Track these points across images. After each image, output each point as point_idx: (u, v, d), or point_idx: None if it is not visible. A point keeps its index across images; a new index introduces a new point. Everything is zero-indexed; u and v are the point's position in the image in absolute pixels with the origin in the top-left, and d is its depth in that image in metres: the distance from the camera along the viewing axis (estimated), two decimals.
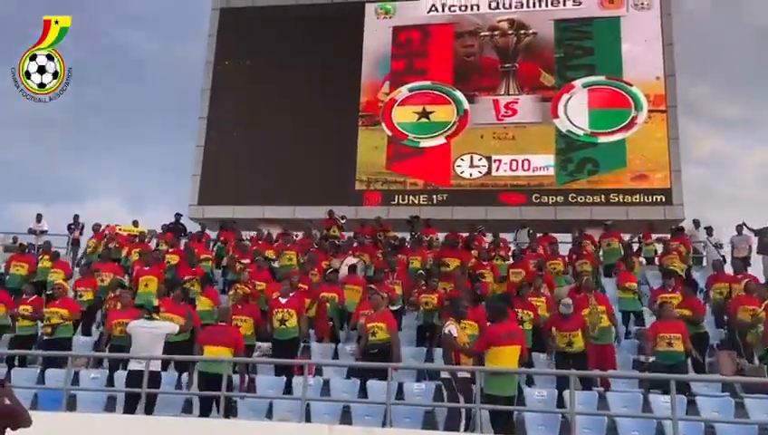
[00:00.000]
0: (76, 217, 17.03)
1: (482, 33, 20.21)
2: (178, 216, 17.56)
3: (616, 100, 19.03)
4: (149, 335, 8.49)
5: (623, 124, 18.80)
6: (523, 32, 20.02)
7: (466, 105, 19.69)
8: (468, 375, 6.74)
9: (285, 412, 7.88)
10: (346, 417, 7.86)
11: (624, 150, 18.69)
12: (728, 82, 45.22)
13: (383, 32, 20.73)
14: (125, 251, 14.05)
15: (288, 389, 8.63)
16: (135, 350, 8.45)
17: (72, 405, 8.31)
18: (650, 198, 18.30)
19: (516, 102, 19.53)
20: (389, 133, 19.96)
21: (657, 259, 14.91)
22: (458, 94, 19.82)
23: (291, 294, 9.69)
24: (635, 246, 15.73)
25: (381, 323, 8.98)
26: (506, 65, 19.86)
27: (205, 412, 7.81)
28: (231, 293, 10.75)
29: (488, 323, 7.49)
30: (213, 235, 17.77)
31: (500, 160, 19.24)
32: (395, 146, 19.87)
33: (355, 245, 13.74)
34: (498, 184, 19.12)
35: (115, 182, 51.40)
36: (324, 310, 10.46)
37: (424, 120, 19.88)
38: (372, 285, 10.24)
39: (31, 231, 16.54)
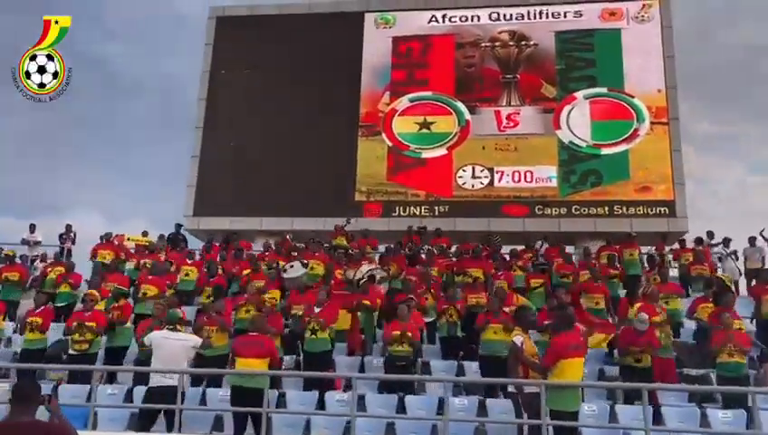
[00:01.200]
0: (68, 226, 16.50)
1: (483, 44, 20.11)
2: (179, 226, 17.08)
3: (618, 111, 19.00)
4: (176, 347, 7.96)
5: (626, 136, 18.76)
6: (523, 43, 19.95)
7: (468, 116, 19.53)
8: (536, 390, 6.39)
9: (323, 429, 7.46)
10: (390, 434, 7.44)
11: (627, 162, 18.64)
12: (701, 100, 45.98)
13: (383, 42, 20.53)
14: (134, 262, 13.55)
15: (321, 404, 8.22)
16: (158, 363, 7.88)
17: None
18: (654, 209, 18.24)
19: (518, 114, 19.41)
20: (390, 144, 19.70)
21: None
22: (459, 105, 19.65)
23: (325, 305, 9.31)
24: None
25: (408, 332, 8.65)
26: (507, 76, 19.75)
27: (239, 431, 7.32)
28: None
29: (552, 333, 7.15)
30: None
31: (502, 172, 19.07)
32: (396, 156, 19.61)
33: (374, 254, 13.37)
34: (501, 195, 18.93)
35: (94, 195, 50.44)
36: (357, 322, 10.06)
37: (425, 130, 19.66)
38: (411, 296, 9.96)
39: (24, 242, 15.93)
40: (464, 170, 19.22)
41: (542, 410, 6.24)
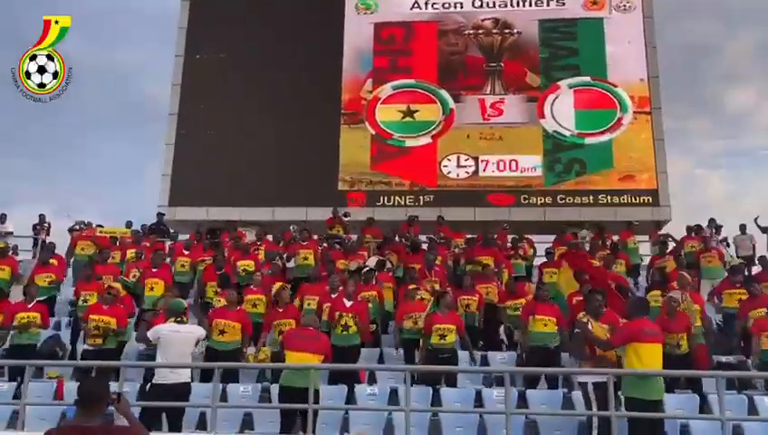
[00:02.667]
0: (42, 216, 15.63)
1: (466, 32, 19.86)
2: (161, 215, 16.36)
3: (601, 101, 19.03)
4: (185, 341, 7.38)
5: (609, 125, 18.80)
6: (507, 31, 19.78)
7: (452, 104, 19.27)
8: (605, 379, 6.13)
9: (362, 425, 7.07)
10: (435, 428, 7.09)
11: (611, 151, 18.68)
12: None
13: (365, 27, 20.08)
14: (119, 254, 12.83)
15: (351, 399, 7.84)
16: (166, 355, 7.26)
17: None
18: (637, 198, 18.34)
19: (502, 103, 19.25)
20: (373, 132, 19.31)
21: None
22: (443, 93, 19.38)
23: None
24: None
25: (452, 325, 8.34)
26: (492, 64, 19.56)
27: (287, 431, 6.86)
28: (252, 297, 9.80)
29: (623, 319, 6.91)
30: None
31: (487, 161, 18.89)
32: (379, 145, 19.24)
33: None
34: (486, 185, 18.76)
35: (40, 189, 48.43)
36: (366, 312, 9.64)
37: (409, 118, 19.33)
38: (414, 286, 9.62)
39: None
40: (448, 159, 18.97)
41: (611, 399, 5.99)
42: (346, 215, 16.28)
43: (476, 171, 18.84)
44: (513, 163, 18.81)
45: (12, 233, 15.02)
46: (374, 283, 10.04)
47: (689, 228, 14.53)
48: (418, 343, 8.82)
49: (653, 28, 19.38)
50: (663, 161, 18.54)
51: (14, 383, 8.03)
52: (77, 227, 14.83)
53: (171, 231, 15.14)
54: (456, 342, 9.36)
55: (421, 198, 18.75)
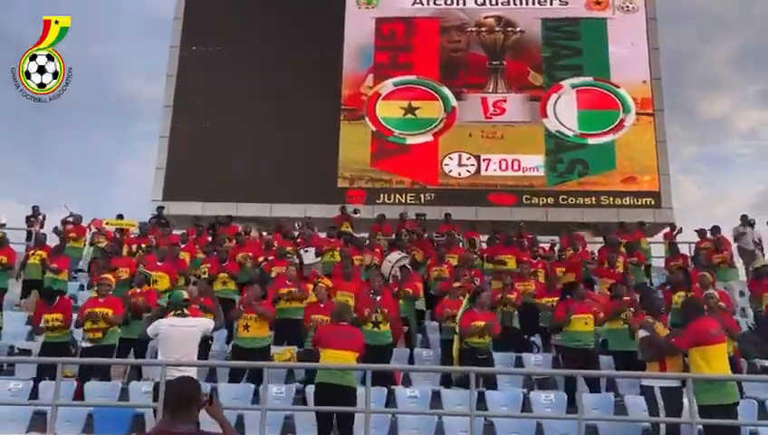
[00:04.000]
0: (35, 208, 15.00)
1: (468, 29, 19.61)
2: (161, 208, 15.81)
3: (604, 101, 18.90)
4: (186, 335, 6.82)
5: (612, 126, 18.67)
6: (510, 29, 19.57)
7: (454, 102, 19.00)
8: (677, 384, 5.86)
9: (413, 429, 6.71)
10: (488, 433, 6.74)
11: (613, 152, 18.56)
12: None
13: (366, 23, 19.73)
14: (126, 247, 12.30)
15: (390, 401, 7.47)
16: (165, 353, 6.71)
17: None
18: (640, 200, 18.24)
19: (505, 101, 19.02)
20: (374, 129, 18.96)
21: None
22: (445, 91, 19.10)
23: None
24: None
25: (489, 323, 8.03)
26: (494, 63, 19.33)
27: (325, 433, 6.47)
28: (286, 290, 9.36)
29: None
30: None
31: (489, 160, 18.66)
32: (380, 142, 18.89)
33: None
34: (488, 184, 18.52)
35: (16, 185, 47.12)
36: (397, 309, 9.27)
37: (410, 115, 19.02)
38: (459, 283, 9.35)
39: None
40: (450, 158, 18.70)
41: (687, 405, 5.72)
42: (355, 212, 15.89)
43: (478, 170, 18.60)
44: (516, 163, 18.60)
45: (5, 225, 14.38)
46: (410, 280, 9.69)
47: (699, 231, 14.33)
48: (451, 343, 8.50)
49: (656, 30, 19.32)
50: (665, 163, 18.47)
51: (29, 382, 7.51)
52: (70, 219, 14.26)
53: (173, 225, 14.59)
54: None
55: (422, 196, 18.45)
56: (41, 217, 14.81)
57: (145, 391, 7.35)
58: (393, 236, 13.24)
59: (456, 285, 9.46)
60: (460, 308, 8.52)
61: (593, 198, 18.28)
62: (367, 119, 19.03)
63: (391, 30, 19.74)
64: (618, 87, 18.90)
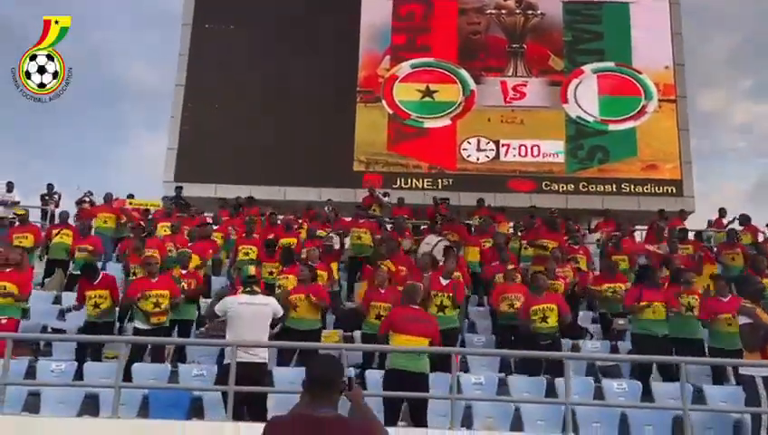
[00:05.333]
0: (50, 186, 14.50)
1: (488, 11, 19.20)
2: (179, 189, 15.30)
3: (626, 87, 18.58)
4: (258, 315, 6.41)
5: (633, 112, 18.37)
6: (530, 12, 19.18)
7: (473, 85, 18.60)
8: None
9: (486, 418, 6.33)
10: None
11: (634, 139, 18.26)
12: None
13: (383, 3, 19.25)
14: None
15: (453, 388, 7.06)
16: (237, 334, 6.26)
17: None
18: (661, 188, 17.96)
19: (525, 85, 18.65)
20: (390, 111, 18.52)
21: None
22: (464, 73, 18.70)
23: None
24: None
25: (553, 304, 7.65)
26: (514, 46, 18.95)
27: (392, 420, 6.08)
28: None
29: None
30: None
31: (508, 145, 18.30)
32: (396, 125, 18.47)
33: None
34: (506, 169, 18.16)
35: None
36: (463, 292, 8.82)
37: (428, 99, 18.60)
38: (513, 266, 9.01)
39: None
40: (468, 142, 18.32)
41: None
42: (385, 194, 15.47)
43: (497, 155, 18.24)
44: (535, 148, 18.25)
45: (18, 203, 13.86)
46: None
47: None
48: (515, 330, 8.14)
49: (680, 15, 18.98)
50: (688, 151, 18.19)
51: (71, 364, 7.06)
52: (86, 199, 13.77)
53: (192, 207, 14.11)
54: None
55: (439, 181, 18.07)
56: (56, 195, 14.30)
57: (195, 373, 6.92)
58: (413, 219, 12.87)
59: (511, 267, 9.09)
60: (520, 292, 8.17)
61: (614, 186, 17.98)
62: (383, 101, 18.59)
63: (409, 11, 19.28)
64: (640, 73, 18.58)
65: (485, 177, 17.99)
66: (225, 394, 5.77)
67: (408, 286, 6.91)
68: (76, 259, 10.23)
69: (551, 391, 6.85)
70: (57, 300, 9.73)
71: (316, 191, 17.34)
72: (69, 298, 9.80)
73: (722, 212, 14.96)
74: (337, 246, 10.53)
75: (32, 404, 6.22)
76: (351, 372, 6.74)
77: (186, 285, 8.36)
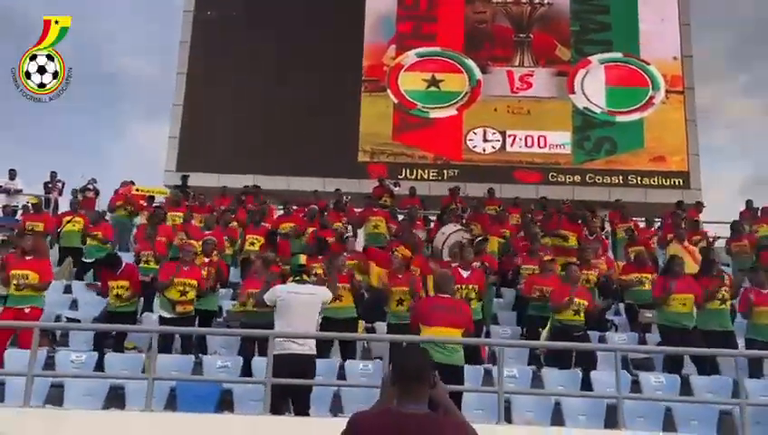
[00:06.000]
0: (53, 174, 14.19)
1: (494, 0, 18.95)
2: (185, 177, 15.00)
3: (633, 78, 18.41)
4: (308, 304, 6.15)
5: (641, 104, 18.21)
6: (537, 1, 18.96)
7: (479, 75, 18.39)
8: None
9: (527, 412, 6.13)
10: (611, 418, 6.15)
11: (642, 131, 18.12)
12: None
13: None
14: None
15: (487, 380, 6.87)
16: (284, 322, 6.02)
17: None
18: (668, 180, 17.83)
19: (531, 75, 18.45)
20: (396, 101, 18.29)
21: None
22: (470, 63, 18.47)
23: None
24: None
25: (584, 300, 7.49)
26: (520, 35, 18.74)
27: None
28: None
29: None
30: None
31: (515, 136, 18.11)
32: (402, 115, 18.23)
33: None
34: (513, 160, 17.98)
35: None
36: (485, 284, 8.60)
37: (433, 88, 18.37)
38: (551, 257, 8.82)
39: (2, 190, 13.50)
40: (474, 133, 18.12)
41: None
42: (396, 184, 15.23)
43: (503, 146, 18.05)
44: (542, 139, 18.07)
45: (21, 191, 13.57)
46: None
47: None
48: (546, 321, 7.97)
49: (688, 5, 18.83)
50: (695, 143, 18.05)
51: (92, 354, 6.82)
52: (90, 187, 13.48)
53: (201, 196, 13.82)
54: None
55: (445, 172, 17.86)
56: (59, 183, 13.99)
57: (220, 365, 6.69)
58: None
59: (547, 258, 8.91)
60: (552, 284, 8.00)
61: (620, 178, 17.83)
62: (389, 91, 18.36)
63: None
64: (647, 64, 18.42)
65: (491, 168, 17.79)
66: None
67: (439, 274, 6.66)
68: (87, 247, 9.96)
69: (585, 385, 6.66)
70: (68, 289, 9.47)
71: (320, 181, 17.05)
72: (80, 287, 9.59)
73: (749, 204, 14.62)
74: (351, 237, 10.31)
75: (54, 396, 5.97)
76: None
77: (206, 273, 8.11)
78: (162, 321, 7.47)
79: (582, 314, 7.47)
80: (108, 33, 40.87)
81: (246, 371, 6.70)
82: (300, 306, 6.09)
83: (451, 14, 18.89)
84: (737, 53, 37.21)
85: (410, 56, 18.57)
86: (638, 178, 17.84)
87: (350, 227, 11.13)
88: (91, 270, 9.82)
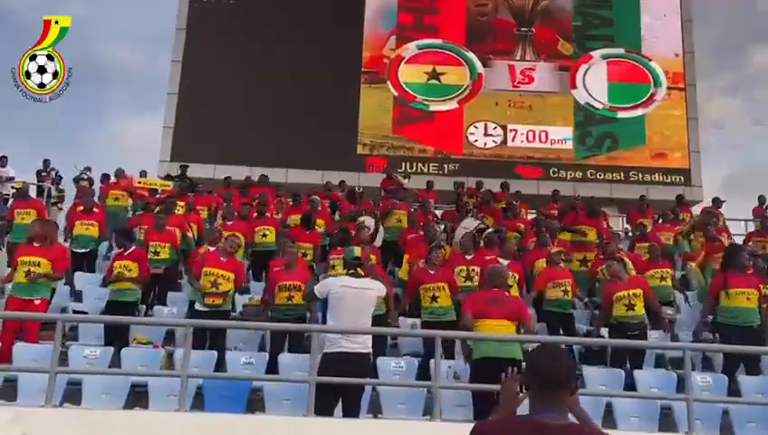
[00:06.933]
0: (47, 162, 13.69)
1: None
2: (185, 167, 14.56)
3: (635, 74, 18.26)
4: (363, 299, 5.68)
5: (642, 100, 18.07)
6: None
7: (480, 69, 18.13)
8: None
9: (633, 417, 5.77)
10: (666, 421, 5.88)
11: (643, 127, 17.99)
12: None
13: None
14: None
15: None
16: (338, 318, 5.56)
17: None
18: (669, 177, 17.71)
19: (533, 70, 18.23)
20: (396, 93, 17.97)
21: None
22: (471, 56, 18.20)
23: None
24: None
25: (638, 289, 7.19)
26: (522, 29, 18.50)
27: (482, 414, 5.55)
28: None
29: None
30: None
31: (516, 130, 17.89)
32: (402, 108, 17.93)
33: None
34: (514, 155, 17.76)
35: None
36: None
37: (434, 81, 18.08)
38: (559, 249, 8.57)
39: None
40: (475, 127, 17.87)
41: None
42: (406, 176, 14.85)
43: (504, 141, 17.83)
44: (543, 134, 17.87)
45: (13, 178, 13.06)
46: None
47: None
48: (565, 318, 7.69)
49: (690, 2, 18.69)
50: (696, 140, 17.97)
51: (106, 349, 6.42)
52: (84, 176, 13.02)
53: (199, 186, 13.39)
54: None
55: (445, 166, 17.58)
56: (53, 172, 13.51)
57: (244, 362, 6.34)
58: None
59: (555, 250, 8.65)
60: (569, 277, 7.73)
61: (622, 174, 17.68)
62: (389, 82, 18.04)
63: None
64: (649, 60, 18.28)
65: (492, 162, 17.55)
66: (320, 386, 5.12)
67: (493, 268, 6.39)
68: (78, 236, 9.50)
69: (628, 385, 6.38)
70: (68, 280, 9.00)
71: (319, 174, 16.63)
72: (80, 278, 9.16)
73: (761, 199, 14.40)
74: (371, 231, 9.95)
75: (71, 394, 5.58)
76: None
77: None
78: (196, 314, 7.05)
79: (638, 310, 7.15)
80: (92, 19, 40.19)
81: (272, 368, 6.35)
82: (354, 301, 5.64)
83: (453, 7, 18.61)
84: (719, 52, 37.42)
85: (411, 48, 18.26)
86: (640, 175, 17.69)
87: (371, 220, 10.74)
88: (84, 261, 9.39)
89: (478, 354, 5.62)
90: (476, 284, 7.66)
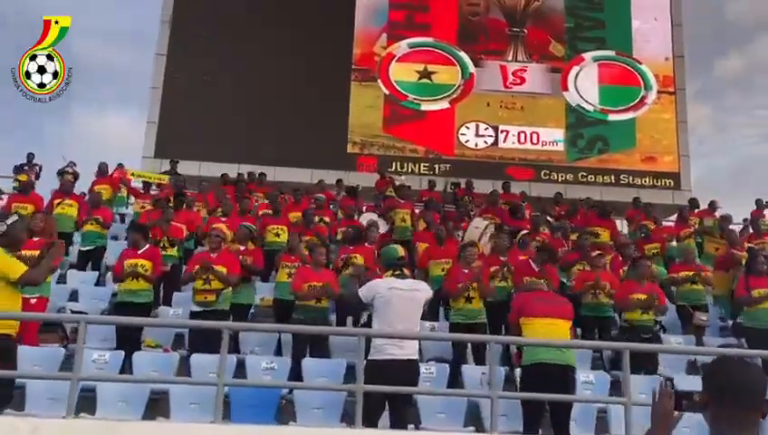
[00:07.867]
0: (30, 156, 13.07)
1: None
2: (175, 163, 14.04)
3: (626, 77, 18.23)
4: (410, 303, 5.28)
5: (633, 103, 18.04)
6: None
7: (472, 68, 17.91)
8: None
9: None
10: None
11: (634, 130, 17.97)
12: None
13: None
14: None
15: None
16: (385, 322, 5.15)
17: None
18: (659, 181, 17.68)
19: (525, 70, 18.07)
20: (386, 92, 17.67)
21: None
22: (463, 56, 17.98)
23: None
24: None
25: (654, 295, 6.98)
26: (514, 29, 18.34)
27: (533, 424, 5.24)
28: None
29: None
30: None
31: (507, 131, 17.71)
32: (393, 107, 17.63)
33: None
34: (505, 157, 17.57)
35: None
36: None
37: (425, 80, 17.81)
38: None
39: None
40: (467, 127, 17.65)
41: None
42: (401, 175, 14.52)
43: (496, 142, 17.63)
44: (535, 135, 17.72)
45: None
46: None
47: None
48: (598, 322, 7.45)
49: (680, 6, 18.73)
50: (686, 144, 17.98)
51: (117, 353, 5.98)
52: (69, 169, 12.44)
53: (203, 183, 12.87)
54: None
55: (436, 166, 17.32)
56: (36, 166, 12.91)
57: (265, 367, 5.96)
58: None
59: (596, 253, 8.39)
60: (595, 277, 7.50)
61: (612, 177, 17.60)
62: (379, 81, 17.72)
63: None
64: (640, 63, 18.25)
65: (483, 163, 17.34)
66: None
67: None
68: (85, 233, 9.05)
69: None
70: (62, 279, 8.55)
71: (307, 172, 16.26)
72: (75, 277, 8.71)
73: (759, 203, 14.33)
74: (382, 230, 9.61)
75: (83, 402, 5.12)
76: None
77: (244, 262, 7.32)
78: (191, 315, 6.64)
79: (652, 314, 6.95)
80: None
81: (296, 374, 5.98)
82: (402, 305, 5.24)
83: (445, 5, 18.40)
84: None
85: (402, 46, 17.98)
86: (630, 178, 17.64)
87: (381, 220, 10.42)
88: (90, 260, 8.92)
89: (531, 359, 5.31)
90: (511, 284, 7.44)
